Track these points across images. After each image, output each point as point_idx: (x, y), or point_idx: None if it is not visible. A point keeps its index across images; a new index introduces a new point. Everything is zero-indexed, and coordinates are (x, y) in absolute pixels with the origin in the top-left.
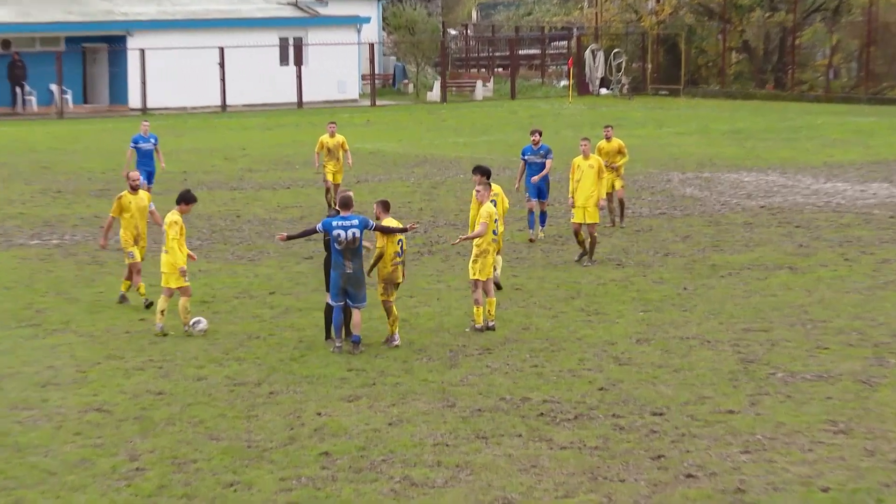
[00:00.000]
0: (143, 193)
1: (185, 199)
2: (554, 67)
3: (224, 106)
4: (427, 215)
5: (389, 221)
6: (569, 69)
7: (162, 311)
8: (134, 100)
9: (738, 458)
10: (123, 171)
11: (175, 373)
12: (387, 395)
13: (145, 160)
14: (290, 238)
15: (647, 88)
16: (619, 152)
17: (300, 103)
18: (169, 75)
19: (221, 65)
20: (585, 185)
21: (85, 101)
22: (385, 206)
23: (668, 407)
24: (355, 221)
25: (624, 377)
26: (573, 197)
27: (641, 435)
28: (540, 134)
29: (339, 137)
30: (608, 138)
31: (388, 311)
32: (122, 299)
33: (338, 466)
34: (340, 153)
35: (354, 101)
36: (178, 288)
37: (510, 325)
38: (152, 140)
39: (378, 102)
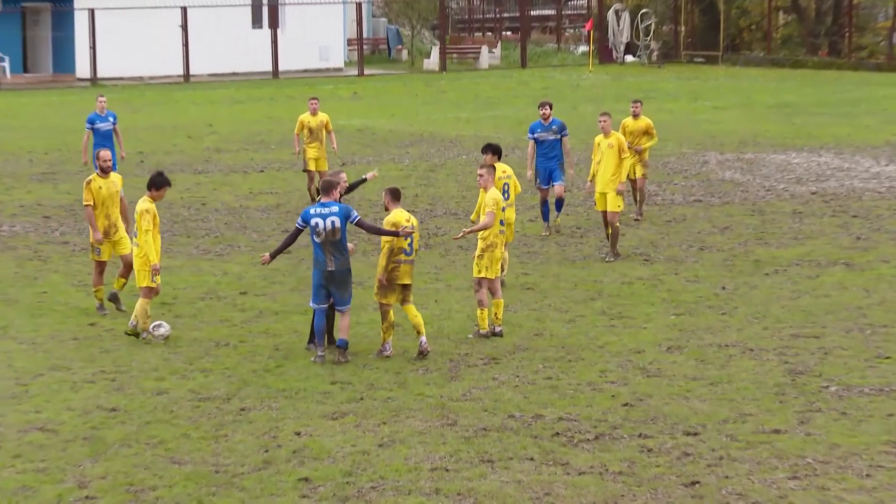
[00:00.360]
0: (114, 176)
1: (157, 183)
2: (572, 31)
3: (187, 76)
4: (424, 203)
5: (398, 214)
6: (589, 33)
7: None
8: (82, 68)
9: (784, 486)
10: (83, 158)
11: (131, 386)
12: (377, 412)
13: (104, 142)
14: (274, 256)
15: (680, 55)
16: (647, 133)
17: (276, 73)
18: (122, 40)
19: (184, 27)
20: (606, 168)
21: (25, 70)
22: (394, 195)
23: (703, 426)
24: (335, 208)
25: (652, 391)
26: (591, 181)
27: (673, 458)
28: (550, 107)
29: (323, 116)
30: (636, 115)
31: (383, 316)
32: (114, 299)
33: (319, 495)
34: (323, 134)
35: (339, 70)
36: (143, 287)
37: (520, 331)
38: (111, 119)
39: (367, 72)
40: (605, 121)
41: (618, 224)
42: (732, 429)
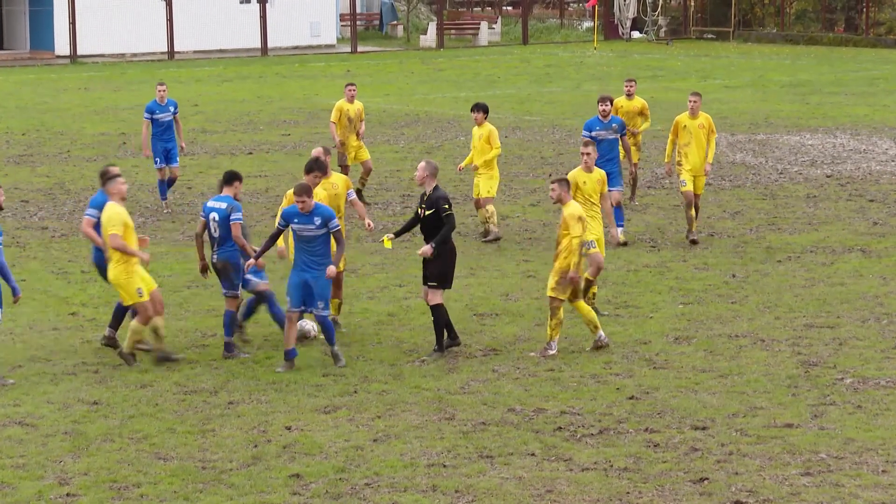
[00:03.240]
0: (338, 177)
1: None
2: (575, 5)
3: (171, 53)
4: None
5: (575, 207)
6: (593, 8)
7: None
8: (61, 45)
9: (797, 482)
10: (144, 151)
11: (113, 378)
12: (371, 406)
13: (164, 134)
14: (259, 255)
15: (690, 31)
16: (642, 114)
17: (264, 50)
18: (103, 15)
19: (168, 1)
20: (698, 150)
21: (1, 47)
22: (563, 185)
23: (712, 420)
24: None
25: (659, 384)
26: (669, 163)
27: (680, 453)
28: (611, 102)
29: (359, 103)
30: (630, 95)
31: (553, 312)
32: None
33: (311, 492)
34: (361, 123)
35: (331, 47)
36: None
37: (521, 321)
38: (171, 108)
39: (360, 49)
40: (695, 101)
41: (699, 205)
42: (743, 423)
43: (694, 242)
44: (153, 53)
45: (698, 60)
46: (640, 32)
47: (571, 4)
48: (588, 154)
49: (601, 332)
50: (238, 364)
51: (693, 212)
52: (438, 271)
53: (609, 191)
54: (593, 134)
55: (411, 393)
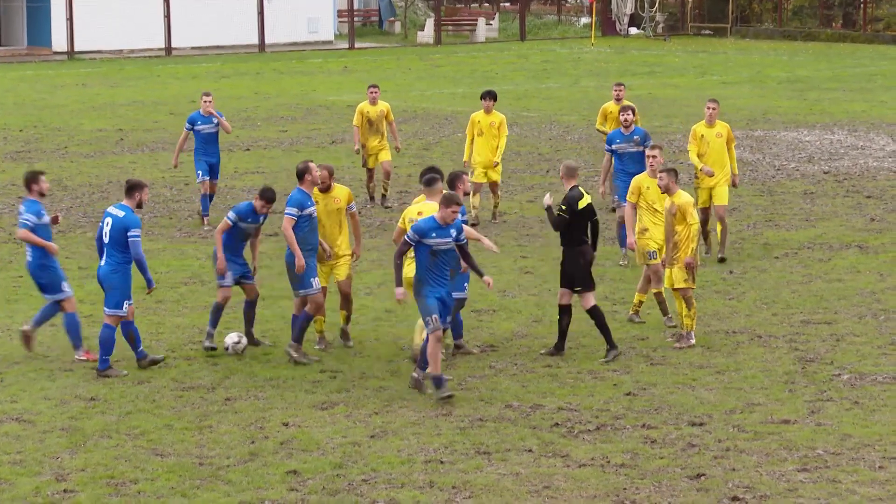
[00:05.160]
0: (338, 191)
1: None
2: (573, 1)
3: (169, 49)
4: (418, 183)
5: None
6: (591, 4)
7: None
8: (59, 41)
9: (794, 478)
10: (174, 160)
11: (110, 375)
12: (368, 402)
13: (207, 147)
14: (398, 281)
15: (687, 27)
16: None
17: (262, 46)
18: (101, 11)
19: None
20: (715, 160)
21: None
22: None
23: (709, 416)
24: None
25: (656, 380)
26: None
27: (677, 449)
28: (634, 112)
29: (383, 105)
30: (619, 100)
31: (689, 303)
32: (343, 336)
33: (309, 488)
34: (384, 125)
35: (329, 43)
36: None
37: (518, 317)
38: (214, 120)
39: (357, 45)
40: (713, 108)
41: (725, 217)
42: (740, 419)
43: (722, 260)
44: (150, 49)
45: (696, 56)
46: (638, 28)
47: (569, 0)
48: (654, 157)
49: (690, 332)
50: (235, 360)
51: (709, 227)
52: (579, 276)
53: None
54: (613, 147)
55: (408, 389)
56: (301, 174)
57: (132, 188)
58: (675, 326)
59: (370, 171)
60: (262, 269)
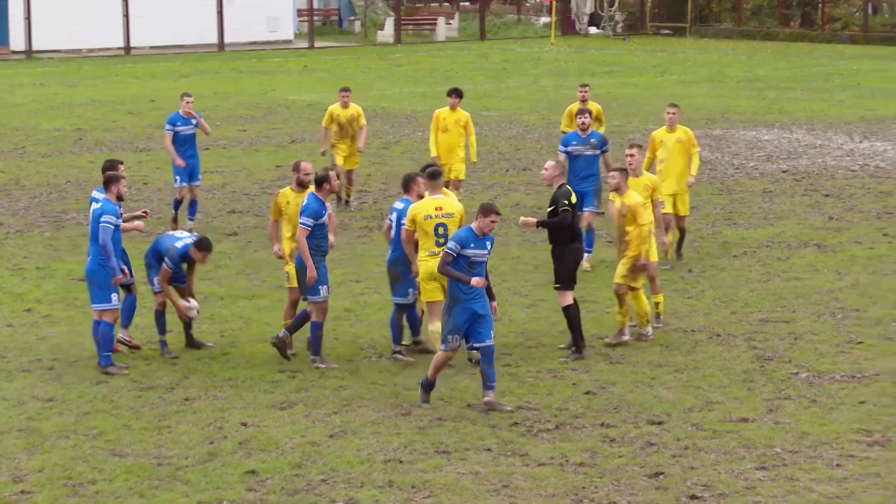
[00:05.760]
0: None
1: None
2: (533, 1)
3: (128, 48)
4: (377, 182)
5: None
6: (550, 4)
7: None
8: (16, 40)
9: (752, 476)
10: (177, 161)
11: (69, 375)
12: (327, 402)
13: (185, 149)
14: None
15: (647, 27)
16: (597, 120)
17: (221, 45)
18: (60, 10)
19: None
20: (674, 166)
21: None
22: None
23: (668, 414)
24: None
25: (615, 378)
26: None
27: (636, 448)
28: (590, 115)
29: (355, 108)
30: (584, 101)
31: (621, 300)
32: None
33: (267, 488)
34: (355, 129)
35: (288, 42)
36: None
37: None
38: (193, 122)
39: (317, 44)
40: (673, 113)
41: (685, 226)
42: (698, 417)
43: (679, 258)
44: (109, 49)
45: (655, 56)
46: (597, 28)
47: (529, 0)
48: (632, 156)
49: (650, 328)
50: (194, 360)
51: (670, 236)
52: (561, 273)
53: (581, 211)
54: (569, 149)
55: (368, 389)
56: (320, 182)
57: (109, 182)
58: (635, 326)
59: (338, 170)
60: (221, 268)
